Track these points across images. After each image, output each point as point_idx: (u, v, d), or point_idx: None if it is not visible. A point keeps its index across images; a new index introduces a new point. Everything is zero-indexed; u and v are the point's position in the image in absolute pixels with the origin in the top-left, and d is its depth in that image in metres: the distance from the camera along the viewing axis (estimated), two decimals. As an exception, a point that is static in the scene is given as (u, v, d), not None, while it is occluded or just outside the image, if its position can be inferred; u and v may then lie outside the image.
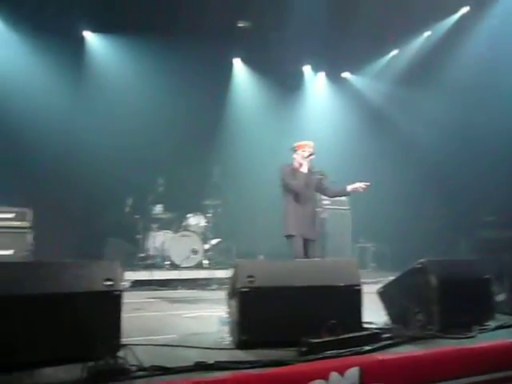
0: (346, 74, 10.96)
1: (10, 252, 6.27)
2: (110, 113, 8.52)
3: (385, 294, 3.50)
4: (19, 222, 6.53)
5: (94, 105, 8.57)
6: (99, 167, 8.06)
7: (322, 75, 10.91)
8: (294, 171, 4.90)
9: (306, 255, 4.75)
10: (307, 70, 10.80)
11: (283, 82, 9.96)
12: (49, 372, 2.39)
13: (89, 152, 8.12)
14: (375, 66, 10.44)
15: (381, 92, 10.31)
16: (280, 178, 4.94)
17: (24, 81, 7.99)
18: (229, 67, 10.25)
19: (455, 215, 8.69)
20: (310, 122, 10.32)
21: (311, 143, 5.04)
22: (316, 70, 10.81)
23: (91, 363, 2.29)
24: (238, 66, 10.34)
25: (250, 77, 10.30)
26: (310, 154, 4.91)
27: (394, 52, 10.17)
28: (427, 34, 9.38)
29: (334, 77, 10.85)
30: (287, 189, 4.89)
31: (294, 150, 5.02)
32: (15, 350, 2.42)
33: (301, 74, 10.78)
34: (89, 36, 8.97)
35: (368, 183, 5.04)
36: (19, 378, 2.27)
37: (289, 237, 4.83)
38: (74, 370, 2.29)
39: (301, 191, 4.85)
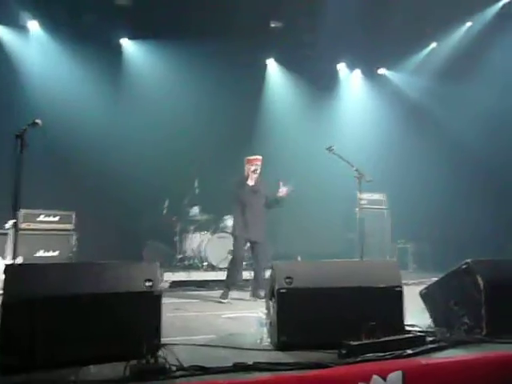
0: (382, 71, 10.73)
1: (55, 253, 6.52)
2: (148, 117, 8.71)
3: (428, 296, 3.39)
4: (64, 225, 6.78)
5: (131, 109, 8.77)
6: (138, 170, 8.25)
7: (357, 72, 10.73)
8: (242, 182, 5.67)
9: (253, 255, 5.86)
10: (342, 67, 10.64)
11: (318, 81, 9.86)
12: (94, 369, 2.45)
13: (128, 156, 8.32)
14: (413, 60, 10.16)
15: (420, 87, 10.02)
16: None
17: (64, 88, 8.29)
18: (262, 68, 10.26)
19: (502, 214, 8.34)
20: (347, 120, 10.18)
21: (258, 158, 5.75)
22: (351, 67, 10.63)
23: (133, 362, 2.33)
24: (272, 66, 10.33)
25: (284, 77, 10.26)
26: (255, 170, 5.64)
27: (433, 45, 9.88)
28: (468, 24, 9.05)
29: (370, 73, 10.64)
30: (234, 197, 5.80)
31: (246, 163, 5.75)
32: (62, 348, 2.49)
33: (335, 72, 10.63)
34: (126, 43, 9.20)
35: (291, 188, 5.67)
36: (66, 374, 2.34)
37: (233, 236, 5.87)
38: (117, 368, 2.33)
39: (245, 202, 5.64)
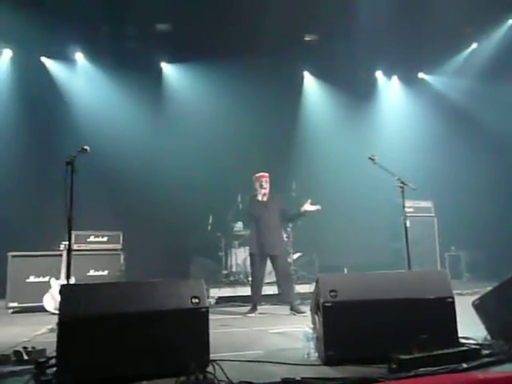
0: (421, 75, 10.52)
1: (105, 272, 6.75)
2: (190, 137, 8.94)
3: (482, 307, 3.24)
4: (112, 245, 7.02)
5: (174, 130, 9.04)
6: (181, 189, 8.47)
7: (395, 79, 10.57)
8: (253, 199, 5.95)
9: (274, 268, 5.98)
10: (379, 75, 10.53)
11: (355, 91, 9.79)
12: (145, 386, 2.51)
13: (170, 175, 8.57)
14: (453, 62, 9.91)
15: (462, 90, 9.74)
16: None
17: (109, 113, 8.69)
18: (299, 81, 10.31)
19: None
20: (388, 127, 10.03)
21: (265, 174, 6.00)
22: (389, 74, 10.50)
23: (183, 378, 2.37)
24: (308, 79, 10.36)
25: (320, 88, 10.27)
26: (262, 186, 5.89)
27: (473, 46, 9.60)
28: (510, 22, 8.75)
29: (408, 79, 10.46)
30: (247, 214, 6.11)
31: (254, 180, 6.01)
32: (115, 365, 2.58)
33: (373, 80, 10.53)
34: (165, 67, 9.53)
35: (319, 207, 5.79)
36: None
37: (249, 254, 6.08)
38: (168, 385, 2.38)
39: (257, 216, 5.85)
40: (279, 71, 9.02)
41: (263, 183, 5.93)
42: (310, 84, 10.39)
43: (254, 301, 5.93)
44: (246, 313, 5.74)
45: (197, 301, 2.85)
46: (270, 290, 7.13)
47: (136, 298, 2.84)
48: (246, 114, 9.03)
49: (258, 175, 6.06)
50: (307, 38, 9.15)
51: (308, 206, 5.79)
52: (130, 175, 8.45)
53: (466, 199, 8.64)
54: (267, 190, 5.97)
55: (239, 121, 9.04)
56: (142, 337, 2.69)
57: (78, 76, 8.93)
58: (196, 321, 2.81)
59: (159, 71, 9.49)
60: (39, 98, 8.44)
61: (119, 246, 7.09)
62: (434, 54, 9.35)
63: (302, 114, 10.20)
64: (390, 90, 10.63)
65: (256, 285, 5.97)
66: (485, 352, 2.71)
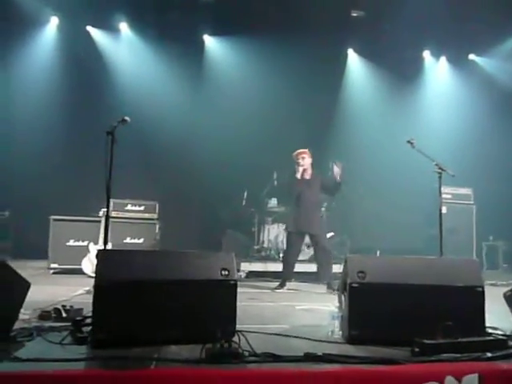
0: (472, 57, 10.04)
1: (140, 240, 6.99)
2: (229, 111, 8.98)
3: (513, 298, 3.19)
4: (148, 214, 7.23)
5: (213, 104, 9.10)
6: (219, 163, 8.58)
7: (443, 60, 10.15)
8: (293, 176, 5.91)
9: (313, 247, 6.05)
10: (427, 55, 10.13)
11: (401, 71, 9.48)
12: (175, 349, 2.63)
13: (209, 149, 8.68)
14: (507, 45, 9.40)
15: (512, 74, 9.27)
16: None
17: (150, 84, 8.83)
18: (343, 59, 10.08)
19: None
20: (432, 110, 9.72)
21: (304, 151, 5.94)
22: (437, 54, 10.08)
23: (209, 345, 2.47)
24: (352, 56, 10.11)
25: (365, 67, 10.01)
26: (301, 163, 5.83)
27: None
28: None
29: (457, 61, 10.00)
30: (287, 191, 6.11)
31: (294, 157, 5.94)
32: (146, 328, 2.72)
33: (420, 61, 10.15)
34: (207, 40, 9.52)
35: (342, 164, 5.74)
36: (150, 351, 2.55)
37: (286, 231, 6.21)
38: (195, 350, 2.49)
39: (297, 193, 5.82)
40: (323, 48, 8.83)
41: (300, 160, 5.89)
42: (354, 62, 10.14)
43: (284, 276, 6.00)
44: (275, 288, 5.84)
45: (226, 273, 2.93)
46: (299, 267, 7.21)
47: (168, 267, 2.95)
48: (287, 91, 8.96)
49: (296, 152, 6.02)
50: (354, 14, 8.90)
51: (335, 171, 5.73)
52: (169, 148, 8.62)
53: (507, 188, 8.34)
54: (306, 167, 5.91)
55: (279, 98, 8.99)
56: (172, 304, 2.81)
57: (122, 46, 9.08)
58: (224, 292, 2.90)
59: (201, 44, 9.50)
60: (83, 67, 8.65)
61: (155, 216, 7.30)
62: (487, 35, 8.89)
63: (344, 92, 10.01)
64: (438, 71, 10.23)
65: (288, 262, 6.02)
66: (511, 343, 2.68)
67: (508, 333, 2.97)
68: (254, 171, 8.28)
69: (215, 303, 2.85)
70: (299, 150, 6.01)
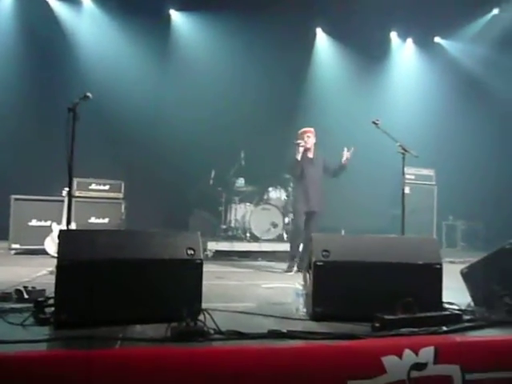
0: (437, 39, 10.21)
1: (105, 220, 6.89)
2: (195, 89, 8.83)
3: (469, 275, 3.33)
4: (113, 194, 7.12)
5: (180, 81, 8.92)
6: (186, 142, 8.46)
7: (410, 42, 10.28)
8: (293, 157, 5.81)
9: (306, 225, 5.75)
10: (394, 36, 10.23)
11: (368, 51, 9.55)
12: (140, 328, 2.63)
13: (175, 127, 8.54)
14: (472, 28, 9.59)
15: (478, 58, 9.48)
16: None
17: (115, 60, 8.58)
18: (311, 38, 10.05)
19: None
20: (398, 91, 9.86)
21: (309, 129, 5.89)
22: (403, 36, 10.20)
23: (174, 324, 2.48)
24: (320, 36, 10.10)
25: (332, 47, 10.03)
26: (298, 144, 5.76)
27: (495, 11, 9.26)
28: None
29: (423, 43, 10.16)
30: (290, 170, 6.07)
31: (298, 136, 5.85)
32: (110, 308, 2.70)
33: (387, 42, 10.25)
34: (174, 14, 9.28)
35: (353, 148, 5.72)
36: (114, 331, 2.53)
37: (293, 209, 6.17)
38: (160, 329, 2.49)
39: (299, 172, 5.79)
40: (292, 26, 8.78)
41: (305, 138, 5.80)
42: (322, 41, 10.13)
43: (291, 256, 5.82)
44: (285, 270, 5.70)
45: (192, 252, 2.93)
46: (266, 246, 7.30)
47: (133, 246, 2.92)
48: (254, 69, 8.87)
49: (302, 130, 5.92)
50: (322, -7, 8.84)
51: (345, 155, 5.73)
52: (135, 125, 8.43)
53: (468, 169, 8.63)
54: (310, 146, 5.84)
55: (246, 75, 8.90)
56: (137, 283, 2.79)
57: (84, 19, 8.73)
58: (190, 271, 2.90)
59: (168, 19, 9.25)
60: (42, 40, 8.27)
61: (121, 195, 7.19)
62: (453, 18, 9.05)
63: (312, 71, 10.01)
64: (404, 52, 10.36)
65: (296, 240, 5.87)
66: (466, 317, 2.81)
67: (463, 307, 3.11)
68: (222, 150, 8.23)
69: (181, 282, 2.85)
70: (305, 129, 5.92)
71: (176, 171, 8.66)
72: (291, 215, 8.03)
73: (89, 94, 3.63)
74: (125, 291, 2.75)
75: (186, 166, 8.50)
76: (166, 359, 2.15)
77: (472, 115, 8.98)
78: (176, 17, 9.31)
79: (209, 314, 2.64)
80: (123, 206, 7.12)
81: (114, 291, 2.73)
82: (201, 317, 2.61)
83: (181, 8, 9.18)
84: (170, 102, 8.74)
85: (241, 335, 2.50)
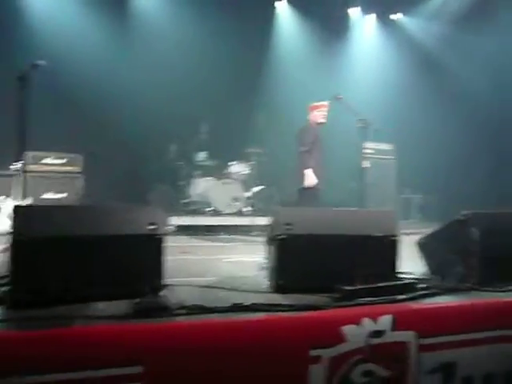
0: (397, 16, 10.31)
1: (63, 195, 6.67)
2: (155, 60, 8.59)
3: (424, 245, 3.46)
4: (71, 167, 6.88)
5: (139, 53, 8.65)
6: (146, 115, 8.25)
7: (371, 17, 10.32)
8: (313, 128, 5.81)
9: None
10: (355, 11, 10.24)
11: (329, 25, 9.54)
12: (101, 306, 2.58)
13: (135, 99, 8.30)
14: (430, 5, 9.72)
15: (434, 34, 9.67)
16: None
17: (69, 26, 8.15)
18: (272, 9, 9.90)
19: (509, 167, 8.31)
20: (358, 67, 9.93)
21: (325, 104, 5.81)
22: (365, 11, 10.23)
23: (137, 300, 2.45)
24: (282, 8, 9.96)
25: (294, 19, 9.94)
26: (323, 116, 5.75)
27: (452, -11, 9.42)
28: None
29: (384, 19, 10.25)
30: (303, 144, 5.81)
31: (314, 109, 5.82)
32: (70, 286, 2.63)
33: (348, 17, 10.25)
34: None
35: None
36: (74, 310, 2.47)
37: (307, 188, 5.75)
38: (122, 306, 2.46)
39: (316, 146, 5.69)
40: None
41: (325, 113, 5.77)
42: (284, 13, 10.01)
43: None
44: None
45: (153, 227, 2.88)
46: (228, 220, 7.31)
47: (92, 222, 2.84)
48: (215, 41, 8.70)
49: (317, 104, 5.85)
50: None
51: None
52: (92, 97, 8.09)
53: (424, 144, 8.89)
54: (325, 121, 5.82)
55: (206, 47, 8.72)
56: (97, 260, 2.73)
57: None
58: (152, 246, 2.85)
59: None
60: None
61: (78, 169, 6.96)
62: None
63: (273, 43, 9.91)
64: (365, 28, 10.42)
65: None
66: (421, 286, 2.94)
67: (419, 276, 3.24)
68: (183, 124, 8.09)
69: (142, 258, 2.81)
70: (324, 103, 5.85)
71: (136, 145, 8.46)
72: (254, 189, 8.07)
73: (40, 62, 3.44)
74: (84, 268, 2.68)
75: (147, 140, 8.32)
76: (127, 336, 2.13)
77: (429, 91, 9.20)
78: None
79: (171, 289, 2.63)
80: (81, 181, 6.90)
81: (72, 268, 2.65)
82: (163, 292, 2.59)
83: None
84: (130, 72, 8.45)
85: (204, 309, 2.50)
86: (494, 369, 2.53)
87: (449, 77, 9.21)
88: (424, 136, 8.99)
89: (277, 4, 9.83)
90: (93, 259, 2.72)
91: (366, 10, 10.16)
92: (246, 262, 4.23)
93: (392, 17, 10.25)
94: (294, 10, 9.84)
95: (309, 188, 5.67)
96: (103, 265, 2.72)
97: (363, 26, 10.36)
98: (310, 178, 5.65)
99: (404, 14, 10.18)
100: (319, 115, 5.73)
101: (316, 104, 5.84)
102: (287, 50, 9.85)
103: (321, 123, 5.77)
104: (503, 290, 2.92)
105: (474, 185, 8.43)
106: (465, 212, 3.13)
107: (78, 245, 2.70)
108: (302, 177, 5.69)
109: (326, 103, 5.84)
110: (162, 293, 2.57)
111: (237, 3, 8.48)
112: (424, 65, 9.54)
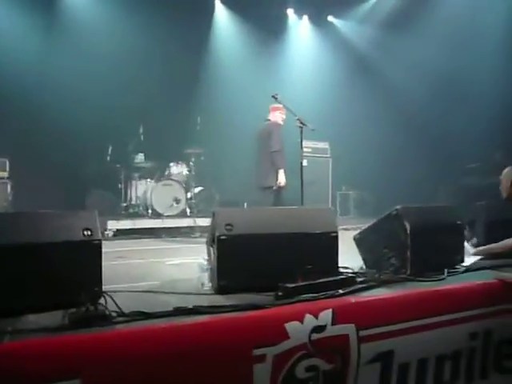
0: (330, 18, 10.63)
1: (-12, 202, 6.25)
2: (88, 59, 8.26)
3: (361, 240, 3.59)
4: (-4, 172, 6.46)
5: (69, 51, 8.28)
6: (79, 116, 7.93)
7: (305, 19, 10.57)
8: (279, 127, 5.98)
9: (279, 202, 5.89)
10: (290, 13, 10.44)
11: (266, 26, 9.66)
12: (33, 318, 2.43)
13: (66, 100, 7.95)
14: (360, 9, 10.12)
15: (366, 37, 10.08)
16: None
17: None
18: (210, 9, 9.86)
19: (439, 162, 8.82)
20: (295, 68, 10.14)
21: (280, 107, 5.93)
22: (300, 13, 10.46)
23: (73, 310, 2.34)
24: (219, 9, 9.96)
25: (231, 20, 9.96)
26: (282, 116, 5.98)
27: (380, -6, 9.87)
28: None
29: (318, 21, 10.54)
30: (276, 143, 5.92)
31: (275, 110, 5.99)
32: (2, 298, 2.45)
33: (284, 18, 10.43)
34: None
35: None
36: (5, 323, 2.32)
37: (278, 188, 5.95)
38: (57, 317, 2.34)
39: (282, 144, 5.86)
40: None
41: (284, 116, 6.03)
42: (221, 14, 10.00)
43: None
44: None
45: (89, 233, 2.76)
46: (169, 222, 7.20)
47: (22, 230, 2.67)
48: (152, 39, 8.53)
49: (278, 106, 5.94)
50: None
51: None
52: (19, 96, 7.65)
53: (359, 142, 9.24)
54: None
55: (143, 47, 8.53)
56: (29, 270, 2.57)
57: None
58: (88, 253, 2.73)
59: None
60: None
61: (5, 174, 6.56)
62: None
63: (211, 43, 9.88)
64: (300, 29, 10.65)
65: None
66: (359, 279, 3.04)
67: (356, 270, 3.36)
68: (119, 125, 7.86)
69: (78, 266, 2.68)
70: (279, 105, 5.92)
71: (69, 147, 8.09)
72: (194, 190, 7.98)
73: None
74: (15, 280, 2.52)
75: (81, 141, 7.99)
76: (63, 348, 2.03)
77: (362, 91, 9.57)
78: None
79: (110, 296, 2.53)
80: (9, 186, 6.50)
81: (1, 280, 2.49)
82: (102, 300, 2.49)
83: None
84: (59, 72, 8.07)
85: (145, 315, 2.43)
86: (429, 354, 2.68)
87: (380, 77, 9.63)
88: (358, 134, 9.33)
89: (215, 3, 9.80)
90: (24, 270, 2.56)
91: (300, 12, 10.38)
92: (189, 264, 4.18)
93: (326, 18, 10.55)
94: (231, 12, 9.86)
95: (279, 188, 5.85)
96: (36, 275, 2.57)
97: (299, 27, 10.57)
98: (283, 179, 5.81)
99: (335, 17, 10.51)
100: (280, 116, 5.94)
101: (277, 105, 5.96)
102: (225, 51, 9.86)
103: (280, 124, 5.97)
104: (435, 279, 3.09)
105: (405, 180, 8.88)
106: (397, 207, 3.28)
107: (6, 255, 2.53)
108: (271, 177, 5.84)
109: (280, 105, 6.00)
110: (99, 301, 2.46)
111: (174, 4, 8.35)
112: (356, 65, 9.91)
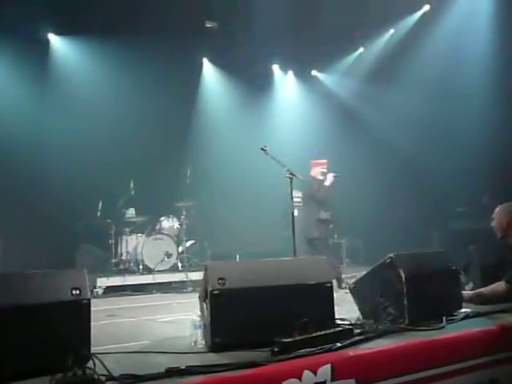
0: (314, 72, 11.04)
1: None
2: (79, 116, 8.40)
3: (356, 290, 3.53)
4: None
5: (61, 108, 8.42)
6: (68, 171, 7.94)
7: (290, 74, 10.97)
8: (318, 183, 6.33)
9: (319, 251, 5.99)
10: (276, 69, 10.83)
11: (252, 82, 9.98)
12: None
13: (56, 156, 7.99)
14: (343, 63, 10.55)
15: (350, 89, 10.45)
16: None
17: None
18: (198, 67, 10.20)
19: (427, 208, 8.89)
20: (281, 121, 10.39)
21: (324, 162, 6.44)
22: (285, 68, 10.87)
23: (59, 375, 2.23)
24: (207, 66, 10.31)
25: (219, 77, 10.29)
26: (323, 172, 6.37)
27: (361, 50, 10.33)
28: (391, 31, 9.56)
29: (302, 75, 10.93)
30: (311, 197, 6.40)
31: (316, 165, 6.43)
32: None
33: (270, 73, 10.81)
34: (53, 38, 8.77)
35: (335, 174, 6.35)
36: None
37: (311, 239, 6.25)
38: (42, 383, 2.22)
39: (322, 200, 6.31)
40: (178, 55, 8.82)
41: (325, 170, 6.35)
42: (209, 71, 10.34)
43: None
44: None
45: (77, 292, 2.68)
46: (161, 278, 7.05)
47: (8, 292, 2.59)
48: (142, 98, 8.72)
49: (319, 161, 6.39)
50: (208, 25, 9.08)
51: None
52: (10, 153, 7.69)
53: (352, 191, 9.32)
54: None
55: (133, 104, 8.70)
56: (15, 334, 2.47)
57: None
58: (76, 313, 2.64)
59: (46, 43, 8.70)
60: None
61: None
62: (327, 54, 9.90)
63: (199, 100, 10.14)
64: (286, 84, 11.02)
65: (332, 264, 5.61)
66: (357, 331, 2.96)
67: (353, 322, 3.27)
68: (109, 180, 7.87)
69: (66, 327, 2.59)
70: (323, 161, 6.43)
71: (58, 204, 8.03)
72: (185, 244, 7.89)
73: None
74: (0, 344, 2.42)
75: (70, 197, 7.94)
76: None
77: (350, 140, 9.78)
78: (55, 40, 8.78)
79: (98, 359, 2.42)
80: (-2, 244, 6.40)
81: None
82: (90, 363, 2.38)
83: (60, 32, 8.70)
84: (50, 129, 8.17)
85: (136, 378, 2.32)
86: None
87: (368, 126, 9.88)
88: (347, 183, 9.41)
89: (204, 61, 10.16)
90: (10, 333, 2.46)
91: (285, 67, 10.79)
92: (182, 321, 4.05)
93: (310, 73, 10.95)
94: (218, 69, 10.21)
95: (314, 239, 6.22)
96: (21, 339, 2.47)
97: (284, 81, 10.95)
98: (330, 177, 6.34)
99: (319, 71, 10.93)
100: (320, 171, 6.32)
101: (319, 161, 6.39)
102: (214, 105, 10.12)
103: (320, 179, 6.31)
104: (434, 328, 3.02)
105: (395, 226, 8.90)
106: (390, 254, 3.25)
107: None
108: (312, 227, 6.21)
109: (325, 161, 6.46)
110: (88, 364, 2.35)
111: (163, 60, 8.63)
112: (344, 116, 10.19)
